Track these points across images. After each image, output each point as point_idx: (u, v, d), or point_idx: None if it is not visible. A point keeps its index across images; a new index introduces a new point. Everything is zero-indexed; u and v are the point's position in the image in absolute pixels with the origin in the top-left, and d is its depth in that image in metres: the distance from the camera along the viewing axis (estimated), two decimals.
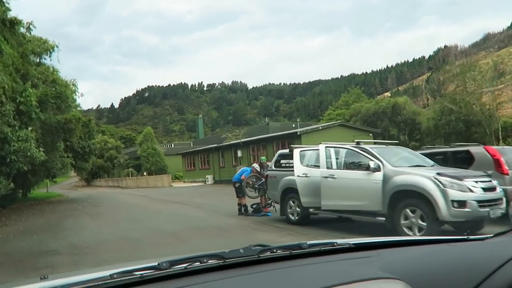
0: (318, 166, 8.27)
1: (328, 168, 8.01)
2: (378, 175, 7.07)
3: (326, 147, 8.30)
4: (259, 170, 12.14)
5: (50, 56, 19.60)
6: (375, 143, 10.62)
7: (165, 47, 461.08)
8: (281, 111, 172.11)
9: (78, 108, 20.25)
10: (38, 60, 19.40)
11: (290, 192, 9.44)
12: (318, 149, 8.49)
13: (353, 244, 1.49)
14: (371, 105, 34.47)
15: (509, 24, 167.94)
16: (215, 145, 37.69)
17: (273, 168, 10.64)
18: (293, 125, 48.67)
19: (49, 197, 29.71)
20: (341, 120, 29.87)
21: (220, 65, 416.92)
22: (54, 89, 17.05)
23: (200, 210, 14.25)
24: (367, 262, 1.31)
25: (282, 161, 10.45)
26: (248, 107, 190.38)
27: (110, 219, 12.89)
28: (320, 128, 27.83)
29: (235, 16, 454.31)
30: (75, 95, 19.73)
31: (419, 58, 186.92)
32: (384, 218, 7.07)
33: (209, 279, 1.11)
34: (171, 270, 1.12)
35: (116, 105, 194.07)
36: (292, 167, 9.13)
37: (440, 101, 31.08)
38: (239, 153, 32.47)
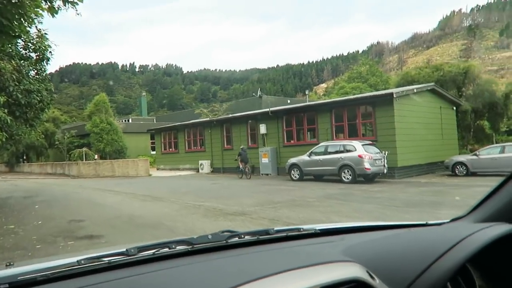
0: None
1: None
2: None
3: None
4: None
5: None
6: None
7: (94, 23, 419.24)
8: (218, 97, 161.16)
9: None
10: None
11: None
12: None
13: (318, 229, 1.46)
14: (430, 71, 24.83)
15: (435, 25, 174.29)
16: (217, 117, 25.37)
17: None
18: (288, 101, 38.10)
19: None
20: (432, 84, 19.66)
21: (154, 47, 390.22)
22: None
23: None
24: (330, 247, 1.29)
25: None
26: (184, 92, 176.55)
27: None
28: (415, 90, 17.49)
29: None
30: None
31: (353, 52, 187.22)
32: None
33: (177, 264, 1.06)
34: (139, 256, 1.08)
35: None
36: None
37: None
38: (263, 129, 20.83)
